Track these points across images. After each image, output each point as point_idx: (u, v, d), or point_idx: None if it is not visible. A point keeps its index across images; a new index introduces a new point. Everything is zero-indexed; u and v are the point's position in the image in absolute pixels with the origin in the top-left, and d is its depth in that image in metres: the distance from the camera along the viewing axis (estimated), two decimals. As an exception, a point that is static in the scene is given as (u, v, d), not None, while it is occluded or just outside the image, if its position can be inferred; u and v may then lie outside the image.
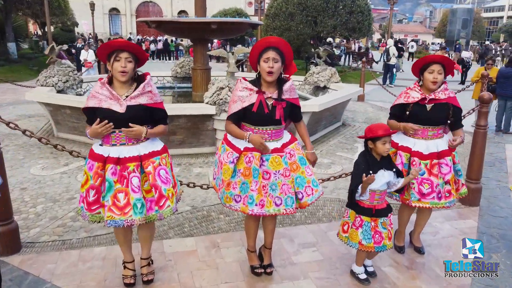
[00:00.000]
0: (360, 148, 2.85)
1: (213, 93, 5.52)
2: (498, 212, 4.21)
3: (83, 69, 13.50)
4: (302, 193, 2.72)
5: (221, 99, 5.43)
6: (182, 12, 49.46)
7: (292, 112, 2.80)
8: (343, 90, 7.49)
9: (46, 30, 27.32)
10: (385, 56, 15.44)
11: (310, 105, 5.86)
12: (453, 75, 3.05)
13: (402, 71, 17.37)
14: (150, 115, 2.65)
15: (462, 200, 4.28)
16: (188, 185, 3.59)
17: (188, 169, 5.24)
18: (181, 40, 23.84)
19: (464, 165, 4.26)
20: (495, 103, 7.90)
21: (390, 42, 15.72)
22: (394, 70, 15.37)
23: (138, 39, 32.36)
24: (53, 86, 7.14)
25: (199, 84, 7.95)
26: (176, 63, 10.31)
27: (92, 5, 32.90)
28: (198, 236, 3.54)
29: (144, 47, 27.64)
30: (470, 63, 16.63)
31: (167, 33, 7.51)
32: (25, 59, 20.05)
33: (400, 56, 15.27)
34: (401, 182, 2.86)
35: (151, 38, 35.57)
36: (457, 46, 21.61)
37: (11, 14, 20.14)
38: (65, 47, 13.49)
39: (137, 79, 2.67)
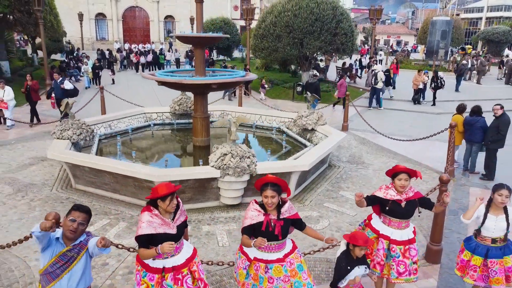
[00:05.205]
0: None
1: (217, 158, 6.37)
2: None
3: None
4: None
5: (225, 164, 6.29)
6: (168, 17, 49.82)
7: (295, 224, 3.65)
8: (331, 139, 8.34)
9: (34, 41, 27.69)
10: (373, 80, 16.36)
11: (301, 165, 6.76)
12: (418, 177, 3.98)
13: (392, 97, 18.65)
14: None
15: (427, 257, 5.28)
16: (208, 263, 4.46)
17: (198, 227, 6.10)
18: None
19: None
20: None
21: (379, 67, 16.93)
22: (381, 94, 16.47)
23: (126, 49, 32.73)
24: (68, 139, 7.88)
25: (199, 131, 8.81)
26: (174, 100, 11.11)
27: (80, 16, 33.18)
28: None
29: (134, 60, 28.10)
30: (443, 83, 17.02)
31: (168, 87, 8.41)
32: (18, 77, 20.43)
33: (388, 84, 16.36)
34: (367, 272, 3.78)
35: (140, 46, 36.02)
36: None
37: (4, 32, 20.49)
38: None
39: None
